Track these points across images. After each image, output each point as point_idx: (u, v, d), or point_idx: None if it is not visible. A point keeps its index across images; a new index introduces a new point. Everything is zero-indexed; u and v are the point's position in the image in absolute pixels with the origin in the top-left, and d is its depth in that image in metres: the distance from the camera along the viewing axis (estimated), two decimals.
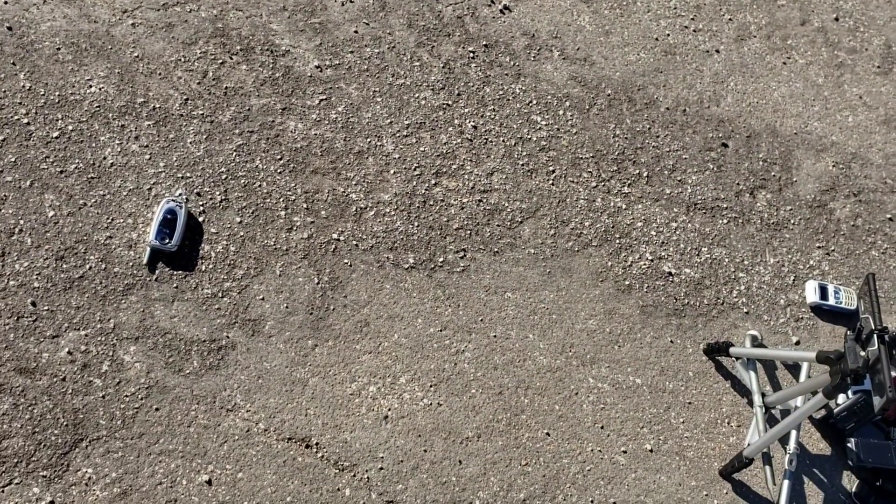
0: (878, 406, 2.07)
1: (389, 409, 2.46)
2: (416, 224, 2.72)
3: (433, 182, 2.80)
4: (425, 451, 2.43)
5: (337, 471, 2.35)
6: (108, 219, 2.50)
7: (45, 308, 2.35)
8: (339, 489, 2.33)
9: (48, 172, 2.51)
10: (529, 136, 2.97)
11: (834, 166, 3.21)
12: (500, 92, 3.02)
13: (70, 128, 2.59)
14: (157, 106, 2.68)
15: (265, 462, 2.32)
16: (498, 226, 2.78)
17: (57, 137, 2.57)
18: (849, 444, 2.69)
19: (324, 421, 2.40)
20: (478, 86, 3.01)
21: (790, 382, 2.78)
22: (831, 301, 2.88)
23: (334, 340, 2.51)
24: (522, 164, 2.91)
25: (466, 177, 2.83)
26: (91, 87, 2.66)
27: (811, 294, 2.90)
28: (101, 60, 2.70)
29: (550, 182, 2.90)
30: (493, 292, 2.68)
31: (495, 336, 2.62)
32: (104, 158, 2.57)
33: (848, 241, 3.07)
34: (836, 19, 3.59)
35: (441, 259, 2.69)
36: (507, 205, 2.82)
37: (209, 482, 2.27)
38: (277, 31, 2.91)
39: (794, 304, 2.91)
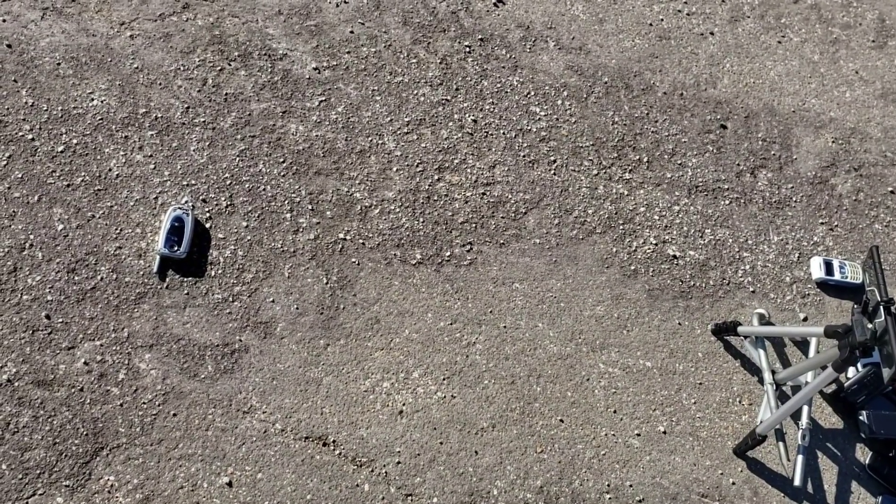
0: (887, 377, 2.09)
1: (404, 404, 2.48)
2: (421, 220, 2.74)
3: (436, 177, 2.82)
4: (441, 443, 2.45)
5: (355, 467, 2.38)
6: (116, 229, 2.52)
7: (60, 320, 2.38)
8: (357, 485, 2.36)
9: (55, 186, 2.54)
10: (529, 128, 2.99)
11: (833, 142, 3.23)
12: (498, 85, 3.04)
13: (74, 141, 2.62)
14: (159, 115, 2.71)
15: (284, 462, 2.35)
16: (502, 218, 2.80)
17: (62, 151, 2.59)
18: (861, 417, 2.71)
19: (339, 419, 2.43)
20: (476, 80, 3.03)
21: (799, 359, 2.80)
22: (837, 276, 2.90)
23: (346, 339, 2.53)
24: (524, 156, 2.93)
25: (469, 171, 2.86)
26: (93, 100, 2.69)
27: (816, 270, 2.92)
28: (101, 73, 2.73)
29: (552, 172, 2.92)
30: (501, 283, 2.71)
31: (505, 327, 2.65)
32: (110, 170, 2.60)
33: (851, 215, 3.09)
34: None
35: (448, 253, 2.71)
36: (510, 196, 2.84)
37: (230, 484, 2.30)
38: (274, 35, 2.93)
39: (800, 280, 2.93)
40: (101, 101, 2.69)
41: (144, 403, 2.34)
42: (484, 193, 2.83)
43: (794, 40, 3.45)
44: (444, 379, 2.54)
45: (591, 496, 2.47)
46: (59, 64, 2.72)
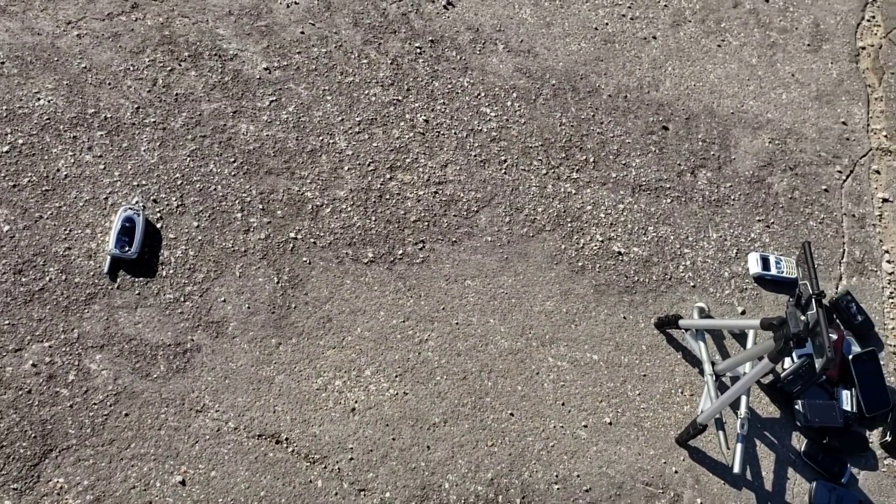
0: (819, 367, 2.19)
1: (356, 402, 2.52)
2: (373, 219, 2.77)
3: (388, 176, 2.86)
4: (393, 439, 2.50)
5: (308, 464, 2.41)
6: (65, 230, 2.50)
7: (6, 322, 2.36)
8: (311, 481, 2.39)
9: (0, 187, 2.51)
10: (480, 128, 3.04)
11: (770, 142, 3.36)
12: (449, 86, 3.09)
13: (20, 141, 2.59)
14: (109, 116, 2.69)
15: (237, 459, 2.36)
16: (455, 216, 2.86)
17: (7, 152, 2.56)
18: (796, 406, 2.83)
19: (292, 416, 2.45)
20: (426, 80, 3.08)
21: (738, 350, 2.91)
22: (773, 271, 3.02)
23: (298, 338, 2.56)
24: (475, 155, 2.98)
25: (421, 170, 2.90)
26: (39, 99, 2.66)
27: (753, 265, 3.04)
28: (48, 73, 2.70)
29: (503, 171, 2.98)
30: (454, 281, 2.76)
31: (457, 323, 2.70)
32: (58, 170, 2.58)
33: (787, 213, 3.22)
34: (767, 0, 3.73)
35: (400, 251, 2.75)
36: (462, 195, 2.90)
37: (183, 482, 2.30)
38: (224, 35, 2.93)
39: (738, 275, 3.04)
40: (48, 101, 2.66)
41: (95, 404, 2.33)
42: (436, 192, 2.88)
43: (734, 44, 3.57)
44: (396, 376, 2.58)
45: (540, 487, 2.54)
46: (2, 63, 2.68)
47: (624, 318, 2.86)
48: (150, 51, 2.83)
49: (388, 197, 2.82)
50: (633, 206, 3.06)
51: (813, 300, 2.25)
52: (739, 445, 2.64)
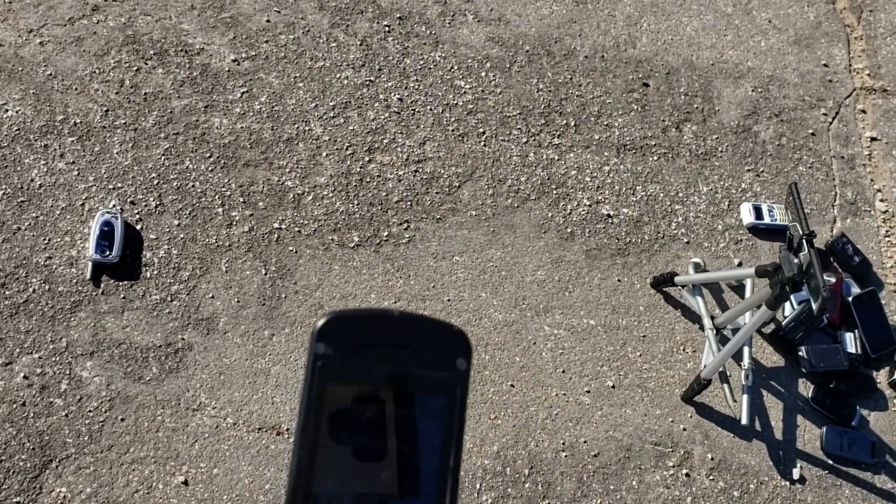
0: (816, 309, 2.16)
1: None
2: (355, 202, 2.74)
3: (367, 159, 2.82)
4: None
5: None
6: (45, 240, 2.47)
7: None
8: None
9: None
10: (456, 102, 3.00)
11: (753, 91, 3.31)
12: (421, 62, 3.05)
13: None
14: (78, 121, 2.66)
15: (239, 455, 2.34)
16: (437, 193, 2.82)
17: None
18: (800, 353, 2.80)
19: (291, 407, 2.42)
20: (398, 59, 3.03)
21: (737, 303, 2.87)
22: (766, 219, 2.98)
23: (290, 327, 2.53)
24: (453, 130, 2.94)
25: (399, 149, 2.86)
26: (7, 110, 2.62)
27: (747, 216, 3.00)
28: (13, 83, 2.66)
29: (482, 143, 2.94)
30: (442, 258, 2.72)
31: (449, 300, 2.67)
32: (32, 181, 2.54)
33: (775, 160, 3.17)
34: None
35: (385, 233, 2.72)
36: (443, 171, 2.86)
37: (186, 482, 2.28)
38: (189, 30, 2.89)
39: (732, 227, 3.00)
40: (16, 112, 2.63)
41: (90, 411, 2.31)
42: (416, 171, 2.84)
43: None
44: None
45: (548, 455, 2.51)
46: None
47: (618, 280, 2.82)
48: (115, 52, 2.79)
49: (368, 180, 2.79)
50: (619, 166, 3.01)
51: (804, 241, 2.21)
52: (746, 397, 2.61)
